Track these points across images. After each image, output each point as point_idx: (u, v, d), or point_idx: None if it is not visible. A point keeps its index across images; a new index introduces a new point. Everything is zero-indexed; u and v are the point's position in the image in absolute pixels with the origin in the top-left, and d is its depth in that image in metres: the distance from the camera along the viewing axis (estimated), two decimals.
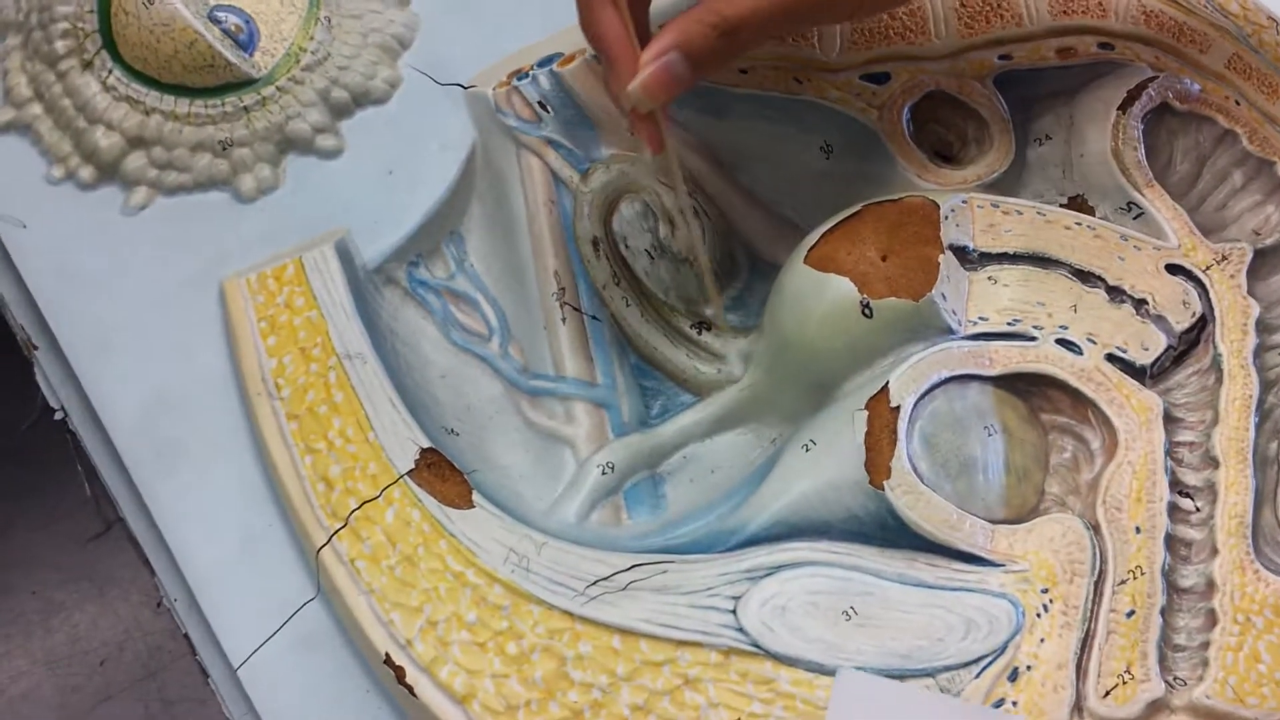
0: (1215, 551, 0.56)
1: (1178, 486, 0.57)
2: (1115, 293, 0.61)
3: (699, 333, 0.67)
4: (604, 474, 0.64)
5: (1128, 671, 0.54)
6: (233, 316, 0.65)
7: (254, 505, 0.63)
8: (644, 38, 0.60)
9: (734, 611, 0.56)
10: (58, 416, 0.67)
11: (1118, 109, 0.65)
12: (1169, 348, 0.59)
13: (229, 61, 0.69)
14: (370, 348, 0.63)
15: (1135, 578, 0.55)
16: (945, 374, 0.59)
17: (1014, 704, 0.53)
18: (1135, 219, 0.63)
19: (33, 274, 0.67)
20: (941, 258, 0.60)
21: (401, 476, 0.60)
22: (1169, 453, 0.58)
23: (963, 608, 0.55)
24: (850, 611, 0.56)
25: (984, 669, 0.54)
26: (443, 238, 0.70)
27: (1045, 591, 0.55)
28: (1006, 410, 0.59)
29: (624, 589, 0.57)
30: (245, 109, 0.69)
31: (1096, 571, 0.55)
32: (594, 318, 0.67)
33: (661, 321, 0.67)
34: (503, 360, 0.68)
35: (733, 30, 0.57)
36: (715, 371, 0.67)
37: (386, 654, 0.56)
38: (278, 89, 0.70)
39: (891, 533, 0.57)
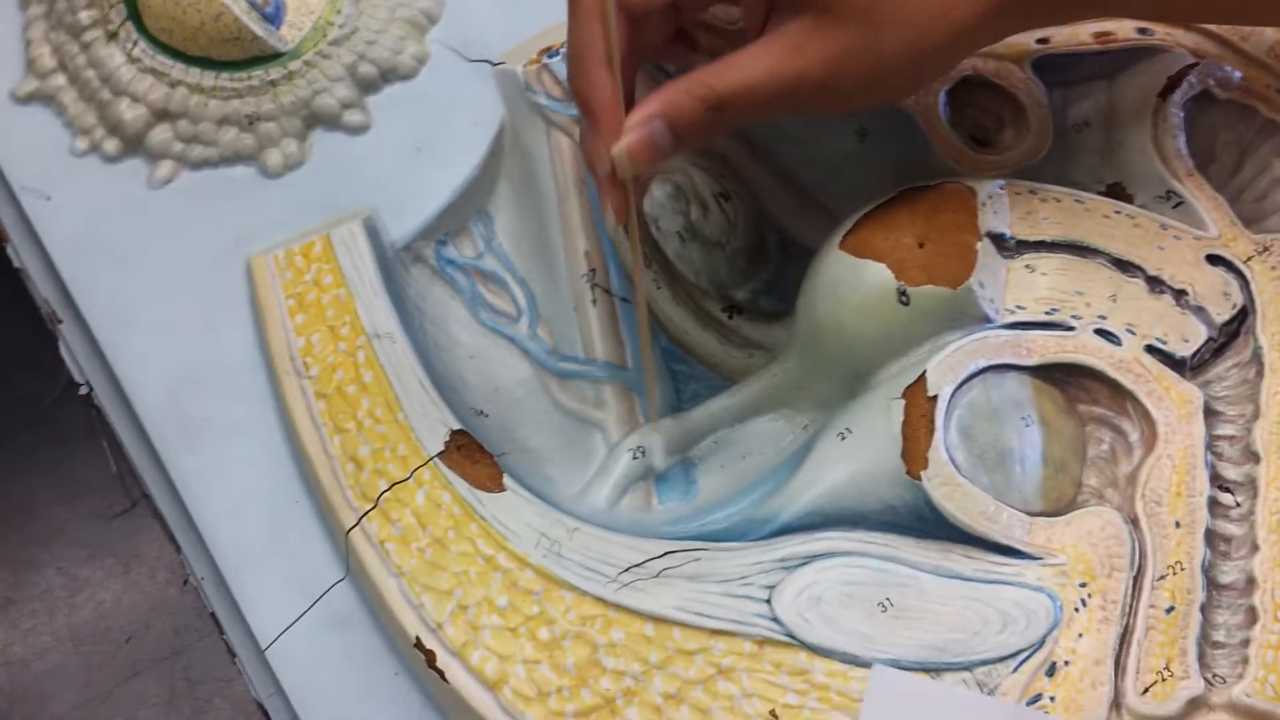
0: (1256, 547, 0.55)
1: (1218, 481, 0.57)
2: (1155, 283, 0.60)
3: (730, 317, 0.67)
4: (635, 458, 0.64)
5: (1167, 668, 0.53)
6: (260, 293, 0.64)
7: (282, 484, 0.63)
8: (630, 103, 0.59)
9: (768, 601, 0.56)
10: (82, 391, 0.67)
11: (1158, 96, 0.64)
12: (1209, 339, 0.59)
13: (255, 35, 0.68)
14: (399, 327, 0.63)
15: (1175, 573, 0.55)
16: (982, 363, 0.58)
17: (1051, 699, 0.53)
18: (1175, 208, 0.63)
19: (57, 247, 0.67)
20: (979, 245, 0.60)
21: (432, 458, 0.60)
22: (1209, 446, 0.57)
23: (999, 601, 0.55)
24: (886, 603, 0.55)
25: (1021, 663, 0.54)
26: (471, 216, 0.69)
27: (1083, 585, 0.55)
28: (1044, 401, 0.59)
29: (657, 576, 0.57)
30: (271, 83, 0.69)
31: (1135, 566, 0.55)
32: (624, 300, 0.67)
33: (692, 305, 0.67)
34: (531, 341, 0.67)
35: (720, 106, 0.56)
36: (747, 356, 0.66)
37: (417, 637, 0.56)
38: (304, 63, 0.69)
39: (928, 524, 0.56)
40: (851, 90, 0.58)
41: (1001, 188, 0.62)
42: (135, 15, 0.69)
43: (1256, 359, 0.59)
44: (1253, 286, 0.60)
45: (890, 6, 0.54)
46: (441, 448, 0.60)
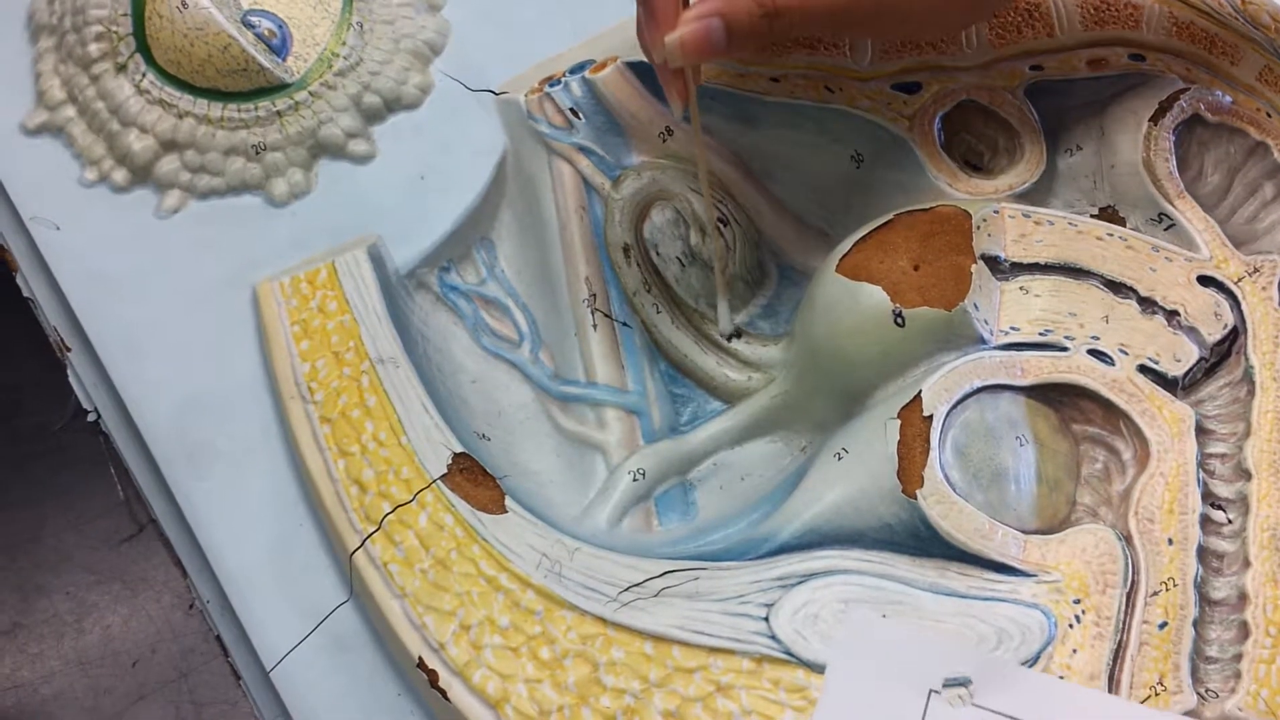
0: (1247, 564, 0.56)
1: (1210, 498, 0.57)
2: (1147, 304, 0.61)
3: (729, 340, 0.67)
4: (635, 480, 0.64)
5: (1160, 683, 0.54)
6: (266, 320, 0.65)
7: (286, 507, 0.63)
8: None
9: (766, 619, 0.56)
10: (90, 418, 0.68)
11: (1149, 120, 0.65)
12: (1201, 359, 0.60)
13: (262, 66, 0.69)
14: (403, 352, 0.64)
15: (1168, 589, 0.55)
16: (977, 384, 0.59)
17: None
18: (1166, 230, 0.63)
19: (66, 276, 0.68)
20: (974, 267, 0.61)
21: (434, 481, 0.60)
22: (1201, 464, 0.58)
23: (995, 617, 0.55)
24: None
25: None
26: (474, 243, 0.70)
27: (1077, 602, 0.55)
28: (1038, 420, 0.59)
29: (656, 595, 0.58)
30: (278, 113, 0.70)
31: (1129, 583, 0.56)
32: (625, 324, 0.68)
33: (692, 329, 0.68)
34: (533, 366, 0.68)
35: (776, 14, 0.57)
36: (745, 379, 0.67)
37: (419, 658, 0.57)
38: (310, 94, 0.70)
39: (924, 542, 0.57)
40: (908, 12, 0.59)
41: (996, 211, 0.63)
42: (144, 48, 0.70)
43: (1248, 378, 0.60)
44: (1244, 306, 0.61)
45: None
46: (444, 470, 0.61)
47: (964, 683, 0.54)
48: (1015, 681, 0.53)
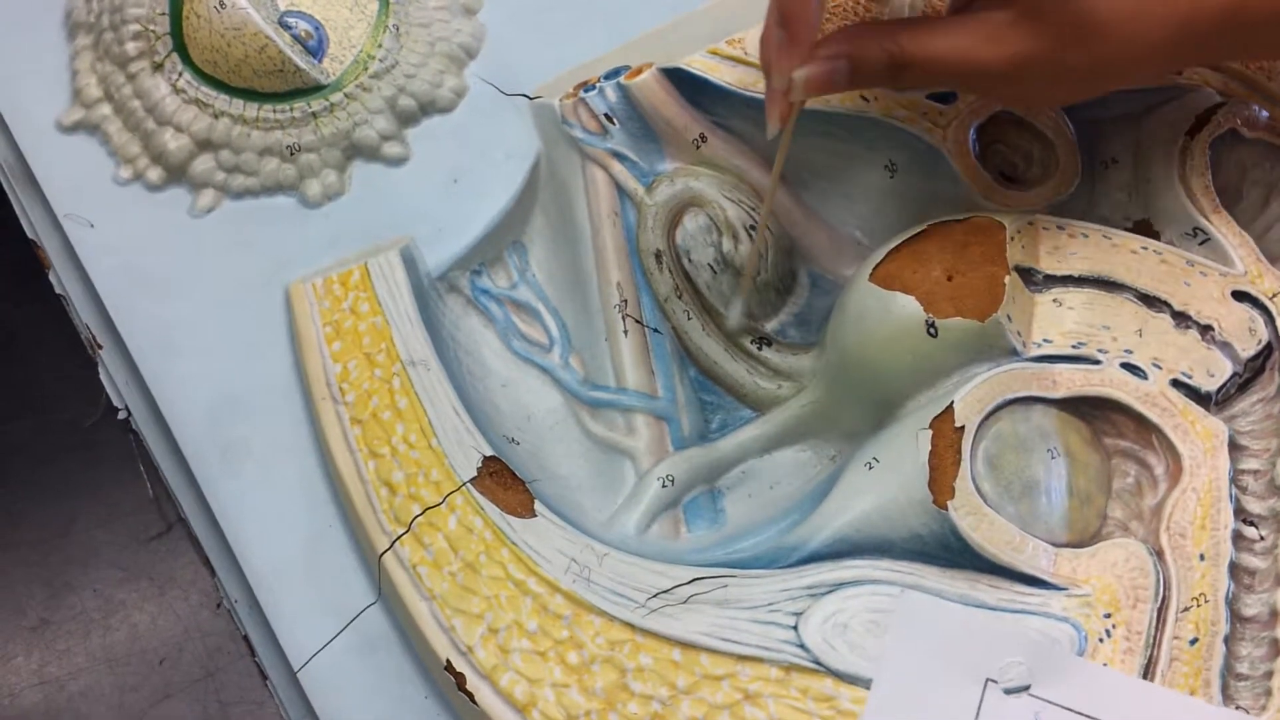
0: (1279, 581, 0.55)
1: (1242, 514, 0.57)
2: (1181, 318, 0.61)
3: (759, 348, 0.67)
4: (664, 486, 0.64)
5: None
6: (298, 320, 0.65)
7: (316, 509, 0.63)
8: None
9: (795, 628, 0.56)
10: (121, 416, 0.68)
11: (1185, 134, 0.65)
12: (1235, 374, 0.59)
13: (298, 67, 0.69)
14: (434, 355, 0.64)
15: (1199, 605, 0.55)
16: (1009, 395, 0.59)
17: None
18: (1201, 245, 0.63)
19: (99, 274, 0.68)
20: (1007, 279, 0.60)
21: (464, 484, 0.60)
22: (1233, 480, 0.57)
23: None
24: None
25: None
26: (506, 247, 0.70)
27: (1108, 616, 0.55)
28: (1070, 433, 0.59)
29: (685, 602, 0.58)
30: (313, 115, 0.70)
31: (1160, 598, 0.55)
32: (655, 330, 0.68)
33: (722, 336, 0.68)
34: (563, 371, 0.68)
35: (904, 66, 0.58)
36: (776, 387, 0.67)
37: (447, 660, 0.57)
38: (345, 95, 0.71)
39: (954, 553, 0.57)
40: (1027, 91, 0.60)
41: (1030, 223, 0.63)
42: (181, 47, 0.70)
43: None
44: (1278, 322, 0.60)
45: (1091, 24, 0.55)
46: (474, 474, 0.61)
47: (1020, 672, 0.54)
48: (1072, 672, 0.53)
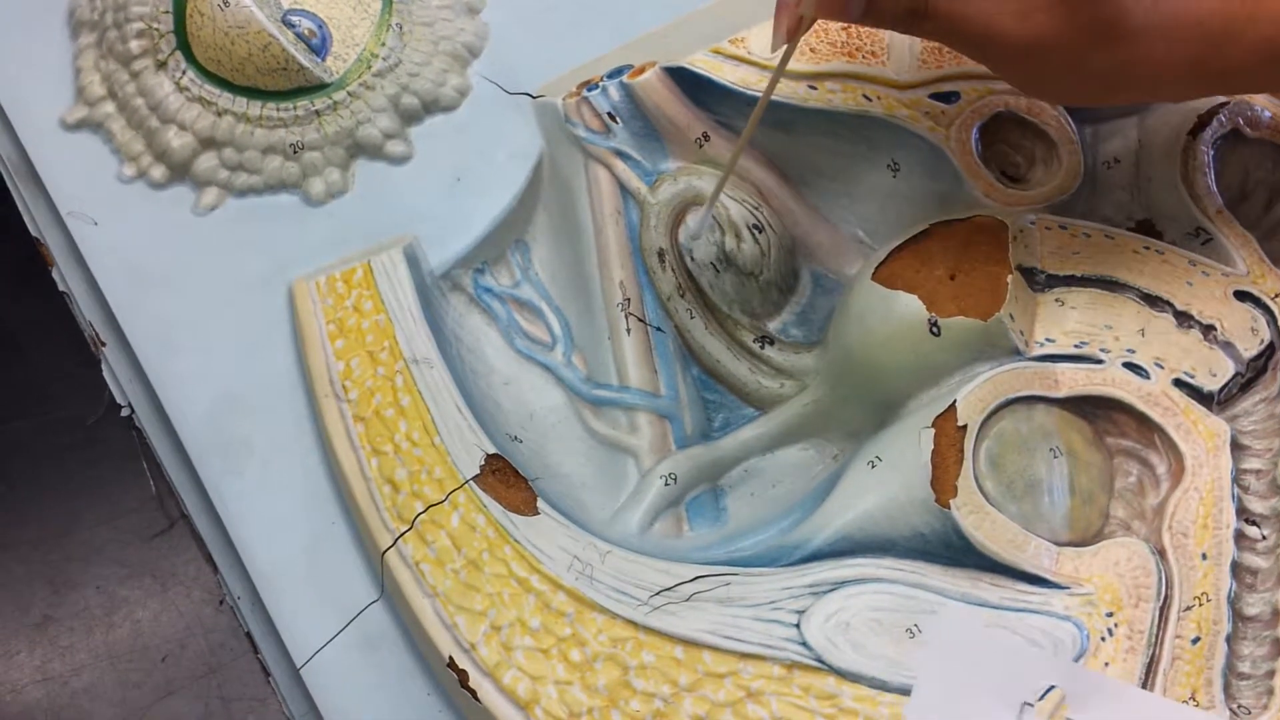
0: None
1: (1244, 514, 0.57)
2: (1183, 318, 0.61)
3: (762, 347, 0.68)
4: (667, 485, 0.64)
5: (1192, 698, 0.54)
6: (301, 318, 0.65)
7: (319, 506, 0.63)
8: None
9: (798, 626, 0.56)
10: (124, 413, 0.68)
11: (1187, 134, 0.65)
12: (1237, 374, 0.59)
13: (302, 65, 0.69)
14: (437, 353, 0.64)
15: (1201, 604, 0.55)
16: (1012, 395, 0.59)
17: None
18: (1204, 245, 0.63)
19: (103, 271, 0.68)
20: (1010, 278, 0.61)
21: (467, 481, 0.61)
22: (1236, 480, 0.58)
23: (1026, 629, 0.55)
24: (914, 629, 0.56)
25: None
26: (508, 246, 0.70)
27: (1110, 615, 0.55)
28: (1072, 433, 0.59)
29: (687, 600, 0.58)
30: (316, 113, 0.70)
31: (1162, 597, 0.55)
32: (658, 329, 0.68)
33: (725, 335, 0.68)
34: (566, 369, 0.68)
35: (924, 15, 0.56)
36: (778, 386, 0.67)
37: (450, 657, 0.57)
38: (349, 94, 0.71)
39: (956, 551, 0.57)
40: (1040, 78, 0.58)
41: (1032, 222, 0.63)
42: (184, 45, 0.70)
43: None
44: None
45: (1122, 27, 0.53)
46: (477, 471, 0.61)
47: (1057, 697, 0.54)
48: (1110, 696, 0.53)
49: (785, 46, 0.59)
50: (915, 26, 0.57)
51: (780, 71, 0.60)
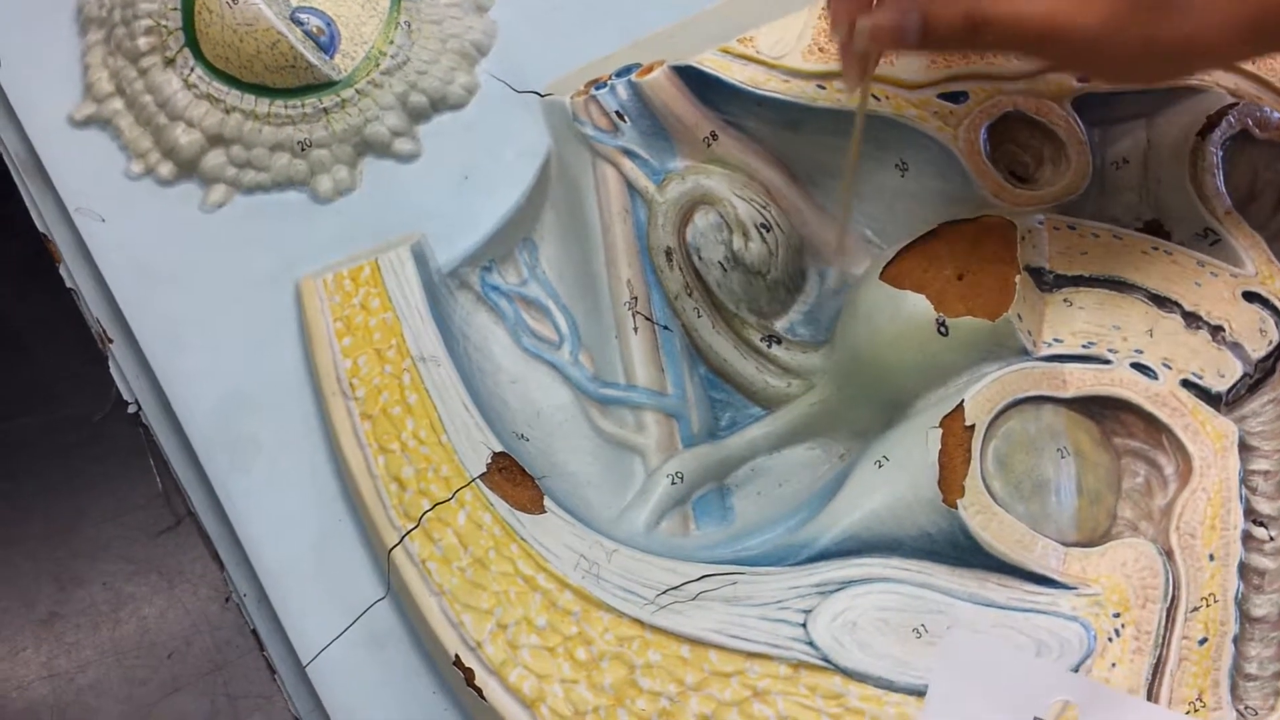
0: None
1: (1252, 515, 0.57)
2: (1191, 318, 0.61)
3: (769, 346, 0.67)
4: (673, 484, 0.64)
5: (1199, 699, 0.53)
6: (309, 316, 0.65)
7: (326, 503, 0.63)
8: None
9: (804, 625, 0.56)
10: (131, 410, 0.68)
11: (1196, 134, 0.65)
12: (1245, 375, 0.59)
13: (310, 63, 0.69)
14: (444, 351, 0.64)
15: (1208, 605, 0.55)
16: (1019, 395, 0.59)
17: None
18: (1212, 245, 0.63)
19: (110, 268, 0.68)
20: (1018, 278, 0.61)
21: (474, 480, 0.61)
22: (1244, 480, 0.58)
23: (1033, 629, 0.55)
24: (921, 629, 0.56)
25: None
26: (516, 244, 0.70)
27: (1117, 616, 0.55)
28: (1079, 433, 0.59)
29: (694, 599, 0.58)
30: (324, 110, 0.70)
31: (1169, 597, 0.55)
32: (665, 328, 0.68)
33: (732, 334, 0.68)
34: (573, 368, 0.68)
35: (982, 26, 0.55)
36: (785, 385, 0.67)
37: (456, 655, 0.57)
38: (357, 92, 0.71)
39: (963, 551, 0.57)
40: (1112, 63, 0.56)
41: (1041, 222, 0.63)
42: (193, 42, 0.70)
43: None
44: None
45: (1182, 2, 0.52)
46: (484, 469, 0.61)
47: (1069, 710, 0.53)
48: (1123, 711, 0.53)
49: (860, 88, 0.59)
50: (975, 39, 0.56)
51: (862, 113, 0.61)
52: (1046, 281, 0.62)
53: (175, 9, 0.70)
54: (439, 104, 0.72)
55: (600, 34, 0.74)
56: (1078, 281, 0.62)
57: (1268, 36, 0.54)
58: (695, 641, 0.56)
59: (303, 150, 0.70)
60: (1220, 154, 0.65)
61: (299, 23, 0.71)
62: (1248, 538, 0.57)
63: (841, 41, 0.58)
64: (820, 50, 0.68)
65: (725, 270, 0.67)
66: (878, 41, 0.56)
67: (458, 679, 0.57)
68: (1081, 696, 0.54)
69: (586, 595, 0.58)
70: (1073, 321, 0.61)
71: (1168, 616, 0.55)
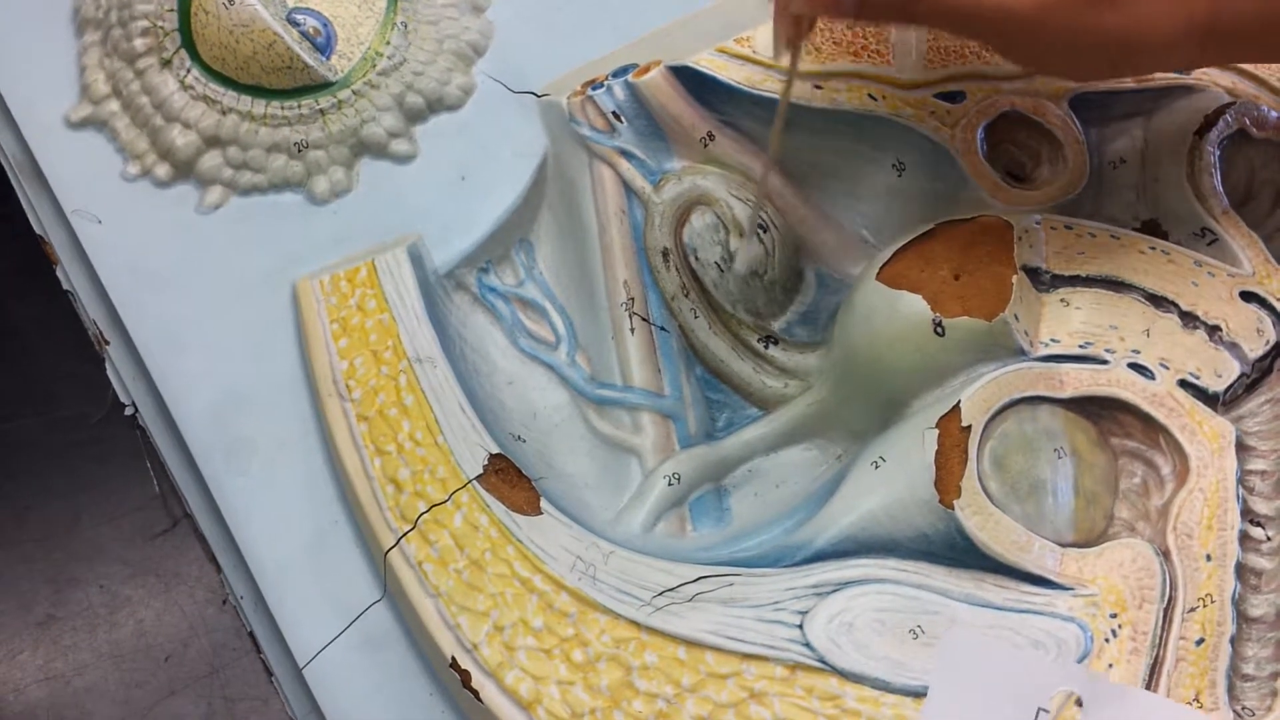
0: None
1: (1249, 515, 0.57)
2: (1188, 318, 0.60)
3: (766, 346, 0.67)
4: (670, 485, 0.64)
5: (1196, 700, 0.53)
6: (305, 317, 0.65)
7: (322, 505, 0.63)
8: None
9: (801, 626, 0.56)
10: (128, 412, 0.68)
11: (1194, 134, 0.65)
12: (1242, 375, 0.59)
13: (306, 64, 0.69)
14: (441, 352, 0.64)
15: (1205, 605, 0.55)
16: (1016, 395, 0.59)
17: None
18: (1210, 245, 0.63)
19: (106, 270, 0.68)
20: (1015, 278, 0.60)
21: (470, 481, 0.60)
22: (1241, 480, 0.57)
23: (1030, 630, 0.55)
24: (917, 630, 0.56)
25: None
26: (513, 245, 0.70)
27: (1114, 616, 0.55)
28: (1076, 433, 0.59)
29: (690, 600, 0.58)
30: (321, 111, 0.70)
31: (1166, 598, 0.55)
32: (662, 329, 0.68)
33: (729, 334, 0.68)
34: (570, 368, 0.68)
35: None
36: (782, 385, 0.67)
37: (452, 657, 0.57)
38: (353, 92, 0.71)
39: (960, 552, 0.57)
40: (1048, 52, 0.56)
41: (1038, 222, 0.63)
42: (189, 43, 0.70)
43: None
44: None
45: None
46: (480, 471, 0.61)
47: (1074, 703, 0.53)
48: (1126, 702, 0.53)
49: (790, 52, 0.59)
50: (908, 13, 0.55)
51: (793, 76, 0.61)
52: (1043, 281, 0.62)
53: (171, 10, 0.70)
54: (436, 105, 0.72)
55: (597, 35, 0.74)
56: (1075, 281, 0.62)
57: (1221, 41, 0.54)
58: (692, 643, 0.56)
59: (299, 151, 0.70)
60: (1217, 153, 0.65)
61: (295, 24, 0.71)
62: (1245, 538, 0.57)
63: (778, 2, 0.58)
64: (816, 50, 0.67)
65: (722, 271, 0.67)
66: (813, 5, 0.56)
67: (454, 681, 0.57)
68: (1085, 687, 0.53)
69: (583, 597, 0.58)
70: (1070, 321, 0.61)
71: (1165, 617, 0.55)
